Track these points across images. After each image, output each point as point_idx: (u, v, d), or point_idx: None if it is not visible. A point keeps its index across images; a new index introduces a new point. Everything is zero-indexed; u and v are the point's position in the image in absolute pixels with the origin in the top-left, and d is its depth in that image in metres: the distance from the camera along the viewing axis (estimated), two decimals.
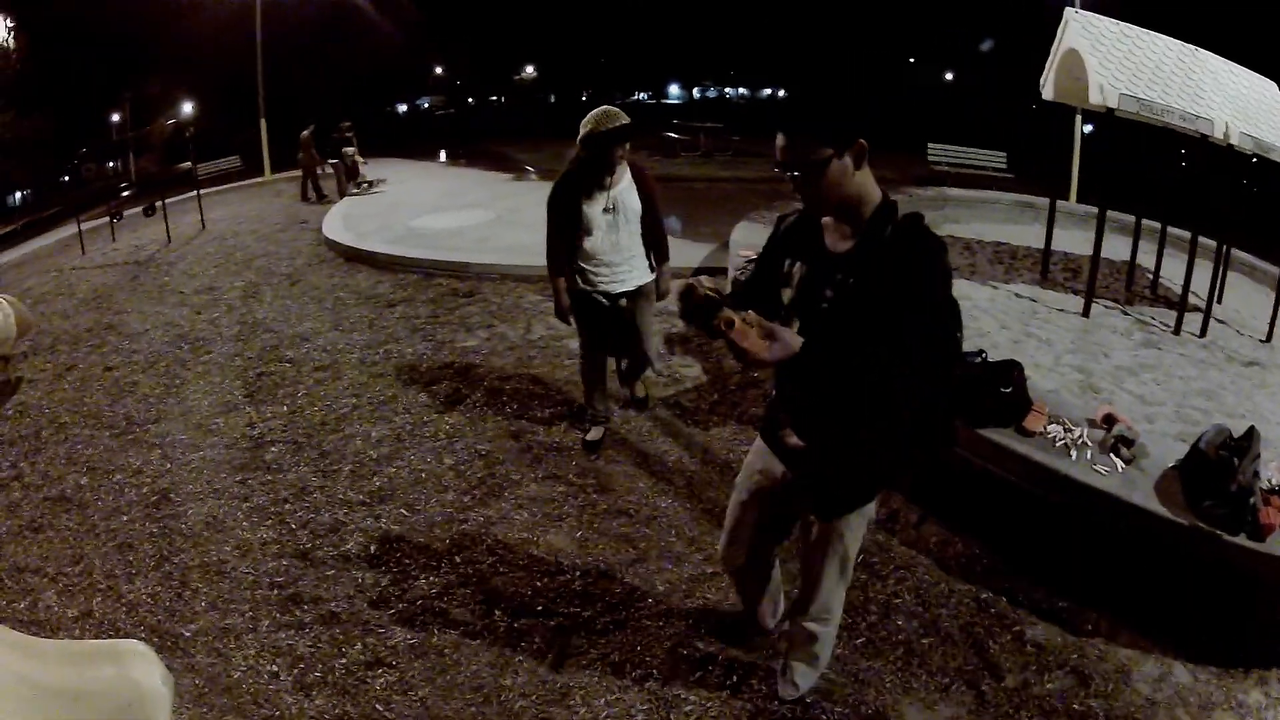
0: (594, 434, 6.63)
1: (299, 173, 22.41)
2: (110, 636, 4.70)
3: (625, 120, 5.58)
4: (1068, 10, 10.65)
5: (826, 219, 3.01)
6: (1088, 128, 20.98)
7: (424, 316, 10.19)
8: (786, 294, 3.09)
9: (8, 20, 39.83)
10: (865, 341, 2.69)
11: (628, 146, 5.83)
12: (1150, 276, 11.47)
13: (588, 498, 5.96)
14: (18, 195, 45.05)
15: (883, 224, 2.84)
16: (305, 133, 21.88)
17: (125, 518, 6.06)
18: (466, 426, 7.16)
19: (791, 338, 2.68)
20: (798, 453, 3.24)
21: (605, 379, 6.65)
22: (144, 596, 5.12)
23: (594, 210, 5.90)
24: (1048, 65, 10.96)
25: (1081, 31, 10.00)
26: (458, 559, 5.28)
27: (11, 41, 40.17)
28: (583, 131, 5.62)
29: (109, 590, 5.22)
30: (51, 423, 7.88)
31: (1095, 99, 9.57)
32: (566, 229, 6.03)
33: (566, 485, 6.13)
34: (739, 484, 3.67)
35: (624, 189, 5.96)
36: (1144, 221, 11.77)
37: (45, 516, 6.19)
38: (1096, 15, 10.33)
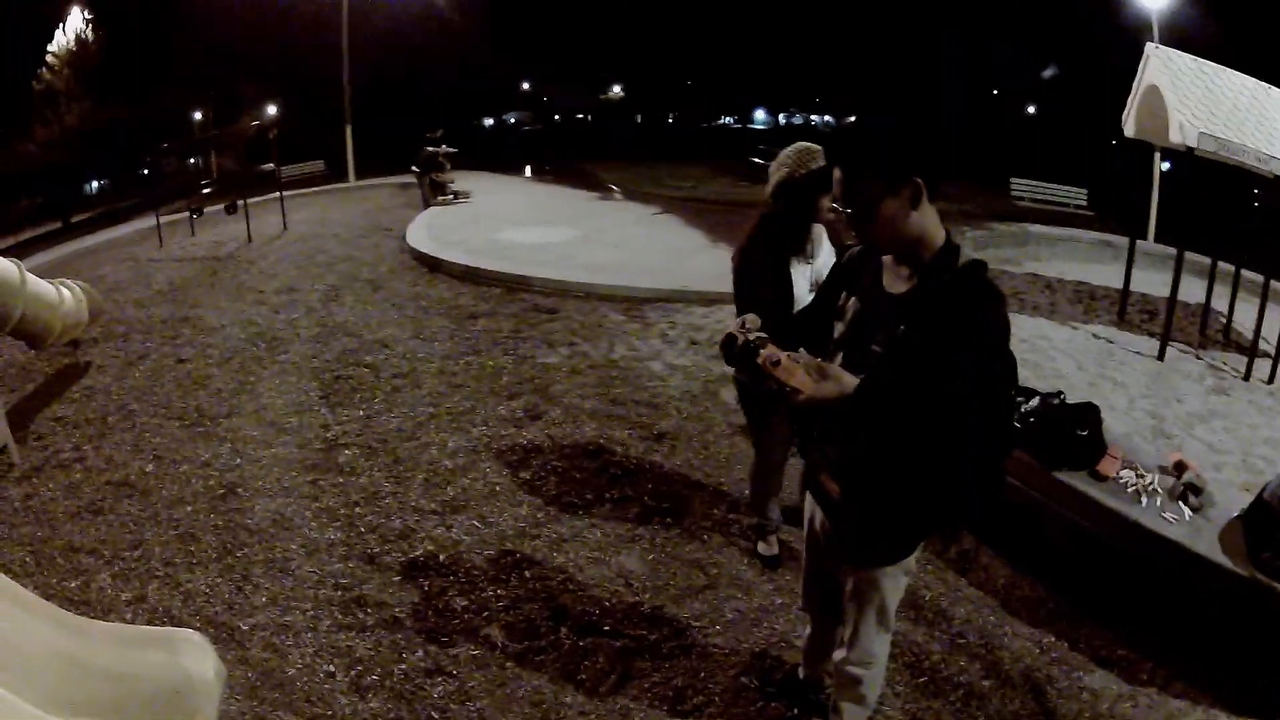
0: (772, 547, 5.57)
1: (410, 179, 22.63)
2: (164, 624, 4.81)
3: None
4: (1148, 46, 10.55)
5: (886, 257, 2.98)
6: (1165, 165, 20.81)
7: (506, 330, 10.32)
8: (838, 328, 3.07)
9: (85, 11, 41.46)
10: (913, 392, 2.65)
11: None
12: (1224, 320, 11.33)
13: (662, 521, 5.97)
14: (95, 184, 46.63)
15: (941, 270, 2.78)
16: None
17: (189, 508, 6.22)
18: (544, 443, 7.21)
19: (847, 379, 2.65)
20: (835, 501, 3.23)
21: (781, 481, 5.53)
22: (202, 587, 5.24)
23: (797, 286, 4.70)
24: (1129, 101, 10.85)
25: (1161, 68, 9.90)
26: (527, 573, 5.31)
27: (90, 33, 41.78)
28: (775, 179, 4.63)
29: (166, 578, 5.35)
30: (119, 409, 8.12)
31: (1175, 138, 9.45)
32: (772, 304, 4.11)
33: (641, 507, 6.15)
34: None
35: (826, 260, 4.80)
36: (1220, 264, 11.63)
37: (106, 500, 6.38)
38: (1176, 51, 10.21)
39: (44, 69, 40.84)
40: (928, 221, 2.79)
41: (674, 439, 7.30)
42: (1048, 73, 57.01)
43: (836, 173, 2.84)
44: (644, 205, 20.43)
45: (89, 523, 6.05)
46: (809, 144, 4.54)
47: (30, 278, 8.14)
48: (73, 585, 5.29)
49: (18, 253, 8.56)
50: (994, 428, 2.80)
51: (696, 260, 13.71)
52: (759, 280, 4.62)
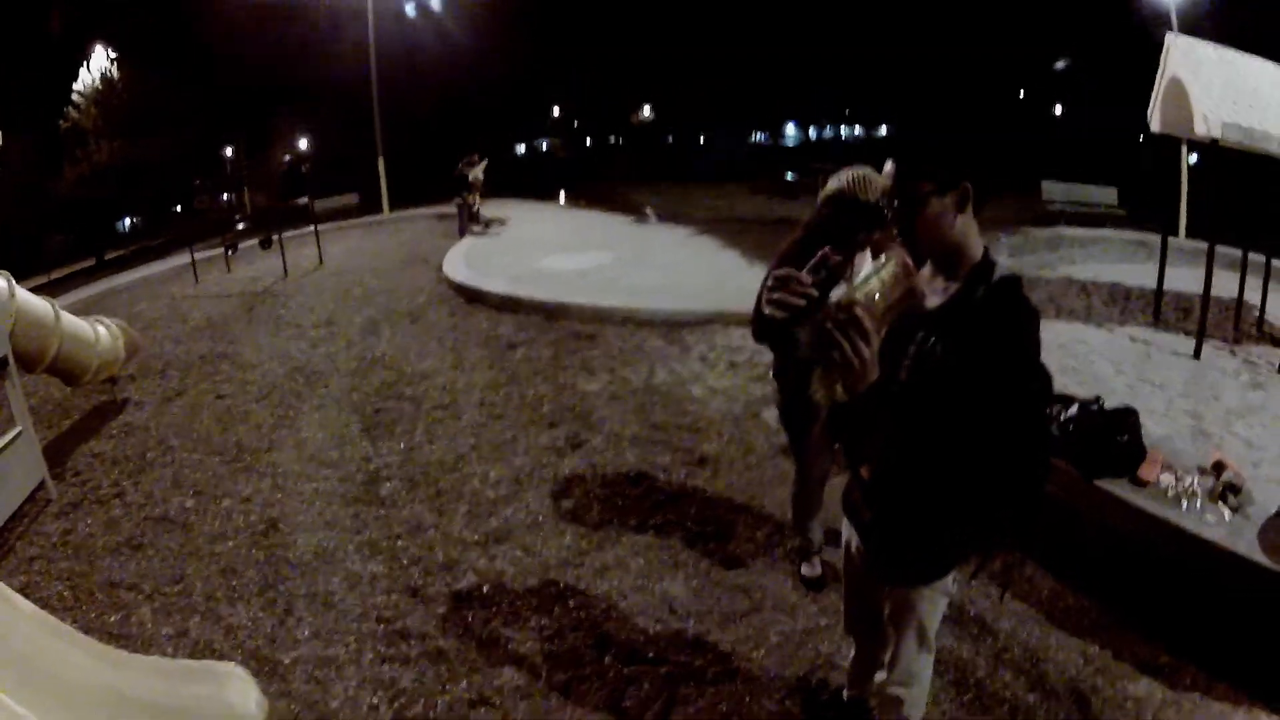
0: (815, 568, 5.65)
1: (452, 208, 22.80)
2: (206, 658, 4.93)
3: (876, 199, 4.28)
4: (1169, 36, 10.39)
5: (924, 270, 3.03)
6: (1193, 158, 20.67)
7: (545, 359, 10.43)
8: None
9: (110, 51, 42.26)
10: (946, 408, 2.69)
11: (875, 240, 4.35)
12: (1257, 314, 11.24)
13: (705, 546, 6.01)
14: (127, 221, 47.50)
15: (977, 283, 2.84)
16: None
17: (230, 543, 6.35)
18: (586, 471, 7.29)
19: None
20: (868, 523, 3.27)
21: (822, 500, 5.57)
22: (245, 621, 5.36)
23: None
24: (1153, 96, 10.71)
25: (1183, 58, 9.78)
26: (571, 602, 5.38)
27: (115, 71, 42.56)
28: (827, 191, 4.66)
29: (208, 612, 5.48)
30: (159, 444, 8.28)
31: (1200, 129, 9.30)
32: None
33: (684, 532, 6.21)
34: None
35: None
36: (1250, 255, 11.52)
37: (146, 535, 6.54)
38: (1197, 40, 10.10)
39: (70, 108, 41.59)
40: (970, 230, 2.85)
41: (716, 463, 7.35)
42: (1060, 64, 57.15)
43: (889, 167, 2.91)
44: (679, 227, 20.56)
45: (128, 558, 6.20)
46: (868, 171, 4.53)
47: (65, 315, 8.35)
48: (113, 620, 5.43)
49: (51, 290, 8.79)
50: (1029, 446, 2.86)
51: (734, 281, 13.74)
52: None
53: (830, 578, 5.47)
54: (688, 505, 6.61)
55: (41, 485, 7.24)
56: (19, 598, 3.90)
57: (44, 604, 4.43)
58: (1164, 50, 10.29)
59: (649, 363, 10.09)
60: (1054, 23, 51.97)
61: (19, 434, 7.00)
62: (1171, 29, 15.57)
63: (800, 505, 5.53)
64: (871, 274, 2.58)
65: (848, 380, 2.50)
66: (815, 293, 2.71)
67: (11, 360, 7.19)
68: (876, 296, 2.55)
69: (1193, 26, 16.84)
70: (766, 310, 2.78)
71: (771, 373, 5.43)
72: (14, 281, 7.62)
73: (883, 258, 2.67)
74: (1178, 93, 9.88)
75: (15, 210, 34.09)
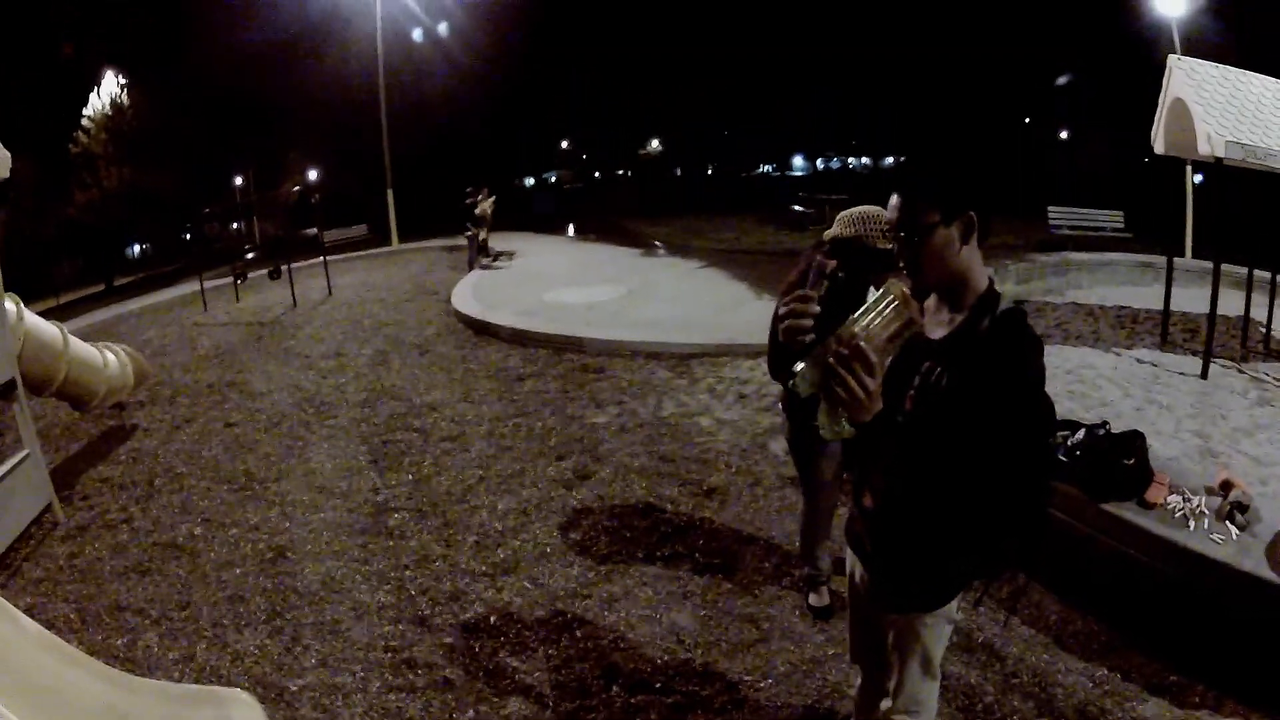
0: (823, 598, 5.66)
1: (461, 240, 22.90)
2: (213, 683, 4.96)
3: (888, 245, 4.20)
4: (1170, 58, 10.46)
5: (928, 301, 3.08)
6: (1198, 178, 20.79)
7: (554, 391, 10.48)
8: None
9: (120, 77, 42.48)
10: (949, 437, 2.73)
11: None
12: (1264, 330, 11.27)
13: (713, 577, 6.05)
14: (136, 248, 47.72)
15: (982, 315, 2.87)
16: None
17: (238, 570, 6.40)
18: (594, 502, 7.33)
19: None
20: (870, 552, 3.31)
21: (830, 529, 5.63)
22: (251, 648, 5.40)
23: None
24: (1157, 117, 10.76)
25: (1185, 79, 9.85)
26: (578, 633, 5.40)
27: (125, 98, 42.79)
28: (836, 233, 4.69)
29: (215, 638, 5.52)
30: (166, 471, 8.35)
31: (1204, 149, 9.30)
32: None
33: (692, 563, 6.24)
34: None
35: None
36: (1256, 272, 11.56)
37: (154, 561, 6.60)
38: (1199, 60, 10.18)
39: (80, 132, 41.75)
40: (975, 260, 2.89)
41: (724, 494, 7.39)
42: (1062, 80, 57.42)
43: (894, 199, 2.94)
44: (687, 260, 20.70)
45: (136, 583, 6.26)
46: (873, 210, 4.60)
47: (73, 340, 8.44)
48: (119, 643, 5.49)
49: (60, 314, 8.91)
50: (1031, 475, 2.90)
51: (742, 313, 13.86)
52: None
53: (838, 607, 5.50)
54: (696, 536, 6.65)
55: (48, 508, 7.29)
56: (23, 617, 3.93)
57: (50, 626, 4.47)
58: (1166, 72, 10.35)
59: (657, 395, 10.15)
60: (1055, 42, 52.28)
61: (26, 456, 7.07)
62: (1174, 50, 15.66)
63: (808, 535, 5.58)
64: (871, 306, 2.62)
65: (852, 413, 2.55)
66: (818, 308, 2.74)
67: (20, 382, 7.26)
68: (878, 328, 2.57)
69: (1194, 47, 16.99)
70: (781, 338, 2.83)
71: (780, 404, 5.51)
72: (23, 305, 7.71)
73: (883, 289, 2.71)
74: (1181, 114, 9.97)
75: (25, 233, 34.22)
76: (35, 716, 3.28)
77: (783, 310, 2.83)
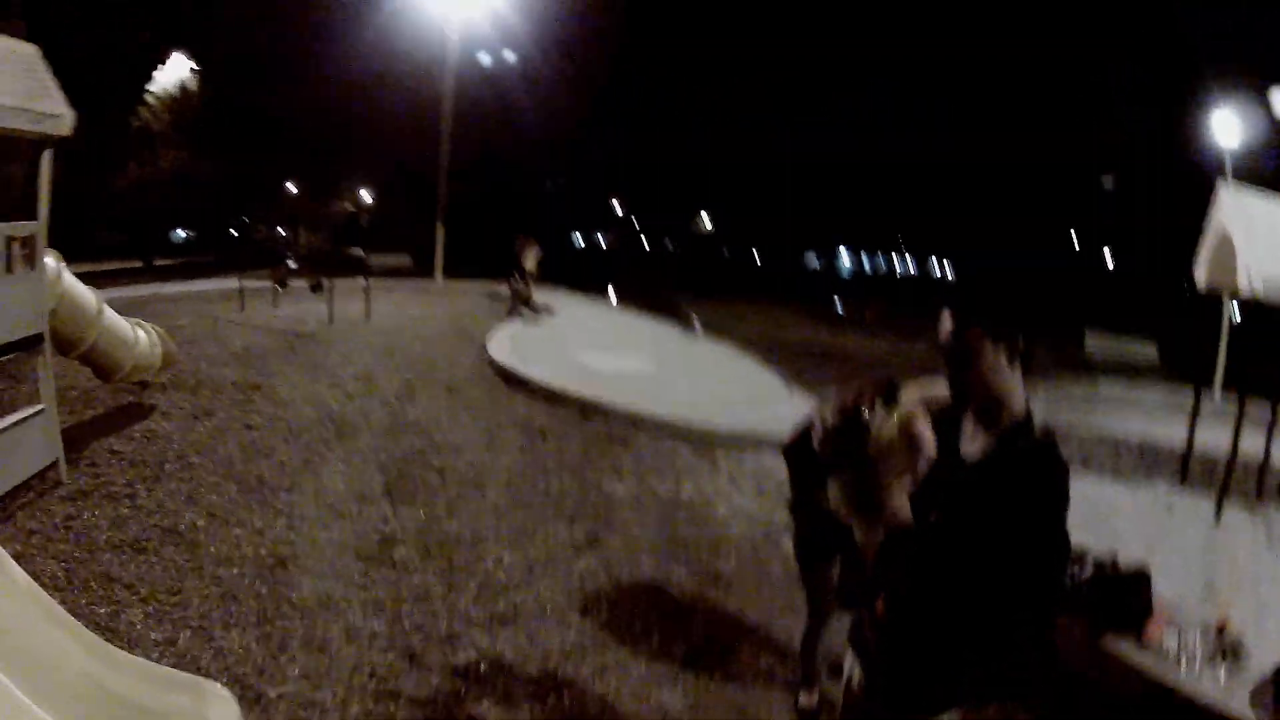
0: (812, 699, 5.60)
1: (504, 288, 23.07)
2: (192, 673, 4.92)
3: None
4: (1219, 185, 10.18)
5: (966, 417, 3.11)
6: (1237, 316, 20.57)
7: (575, 454, 10.47)
8: None
9: (192, 61, 43.00)
10: (970, 558, 2.78)
11: None
12: None
13: (708, 662, 6.05)
14: (181, 233, 48.22)
15: (1016, 439, 2.94)
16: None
17: (236, 570, 6.41)
18: (600, 570, 7.35)
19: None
20: (874, 657, 3.28)
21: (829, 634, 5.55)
22: (236, 647, 5.43)
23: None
24: (1200, 250, 10.20)
25: (1231, 211, 9.68)
26: (566, 697, 5.42)
27: (194, 83, 43.38)
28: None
29: (201, 630, 5.55)
30: (178, 458, 8.34)
31: (1243, 285, 9.12)
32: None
33: (689, 646, 6.23)
34: None
35: None
36: None
37: (151, 541, 6.60)
38: (1251, 190, 10.00)
39: (144, 108, 42.16)
40: (1016, 385, 2.95)
41: (730, 582, 7.42)
42: (1108, 184, 57.77)
43: (945, 317, 3.00)
44: (723, 343, 20.66)
45: (130, 558, 6.27)
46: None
47: (108, 311, 8.55)
48: (102, 611, 5.52)
49: (97, 282, 8.94)
50: (1042, 603, 2.94)
51: (771, 406, 13.86)
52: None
53: (824, 712, 5.44)
54: (696, 620, 6.67)
55: (54, 465, 7.31)
56: (16, 568, 3.93)
57: (35, 577, 4.45)
58: (1213, 201, 10.13)
59: (677, 474, 10.14)
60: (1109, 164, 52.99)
61: (41, 410, 7.13)
62: (1225, 176, 15.47)
63: (809, 638, 5.59)
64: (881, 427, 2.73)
65: (878, 526, 2.62)
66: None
67: (48, 339, 7.33)
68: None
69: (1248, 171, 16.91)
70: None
71: (788, 506, 5.52)
72: (64, 264, 7.81)
73: (894, 417, 2.77)
74: (1224, 247, 9.70)
75: (79, 195, 34.61)
76: (9, 675, 3.26)
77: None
